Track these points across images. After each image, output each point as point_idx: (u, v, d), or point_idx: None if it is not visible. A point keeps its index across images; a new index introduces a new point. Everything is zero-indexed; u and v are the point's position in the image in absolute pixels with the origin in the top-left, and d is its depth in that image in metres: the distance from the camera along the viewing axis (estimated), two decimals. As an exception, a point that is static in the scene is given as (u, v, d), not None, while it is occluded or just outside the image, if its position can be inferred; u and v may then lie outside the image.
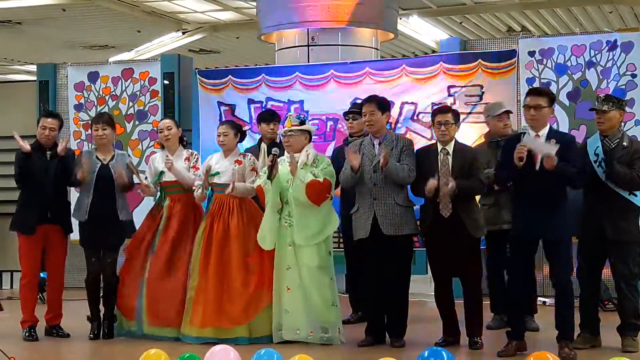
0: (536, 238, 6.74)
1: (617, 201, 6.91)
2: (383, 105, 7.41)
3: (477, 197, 7.48)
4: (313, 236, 7.36)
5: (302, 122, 7.54)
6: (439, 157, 7.14)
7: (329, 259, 7.44)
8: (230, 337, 7.32)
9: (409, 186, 7.31)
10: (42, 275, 8.24)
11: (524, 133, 6.71)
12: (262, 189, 7.48)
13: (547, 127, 6.77)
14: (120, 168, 7.81)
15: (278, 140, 8.56)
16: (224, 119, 10.41)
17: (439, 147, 7.19)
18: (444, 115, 7.17)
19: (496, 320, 8.06)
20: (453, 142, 7.18)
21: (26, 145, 7.73)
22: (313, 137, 7.77)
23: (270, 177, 7.39)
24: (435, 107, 7.79)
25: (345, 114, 8.59)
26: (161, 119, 10.19)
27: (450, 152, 7.13)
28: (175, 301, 7.65)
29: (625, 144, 6.98)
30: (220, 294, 7.49)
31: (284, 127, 7.58)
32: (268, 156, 7.82)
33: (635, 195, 6.98)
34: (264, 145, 8.19)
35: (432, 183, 6.95)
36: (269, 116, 8.69)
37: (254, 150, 8.32)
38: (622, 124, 7.16)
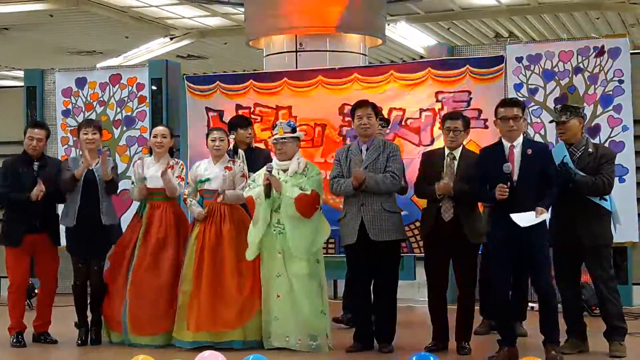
0: (514, 245, 6.72)
1: (589, 207, 6.94)
2: (376, 110, 7.46)
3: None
4: (308, 247, 7.34)
5: (294, 130, 7.53)
6: (445, 160, 7.17)
7: (317, 267, 7.42)
8: (226, 340, 7.33)
9: (412, 190, 7.32)
10: (29, 281, 8.20)
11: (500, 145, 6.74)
12: (253, 200, 7.46)
13: (521, 137, 6.83)
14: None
15: (253, 146, 8.57)
16: (212, 125, 10.39)
17: (446, 151, 7.23)
18: (454, 122, 7.22)
19: (484, 326, 8.07)
20: (461, 147, 7.22)
21: (37, 193, 7.63)
22: (301, 142, 7.80)
23: (267, 195, 7.35)
24: (447, 112, 7.79)
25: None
26: (152, 125, 10.22)
27: (457, 157, 7.17)
28: (157, 309, 7.64)
29: (590, 150, 7.02)
30: (214, 298, 7.47)
31: (274, 135, 7.55)
32: (244, 161, 7.89)
33: (606, 200, 7.02)
34: (241, 152, 8.18)
35: (441, 185, 7.01)
36: (244, 121, 8.69)
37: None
38: (584, 130, 7.20)
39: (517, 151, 6.73)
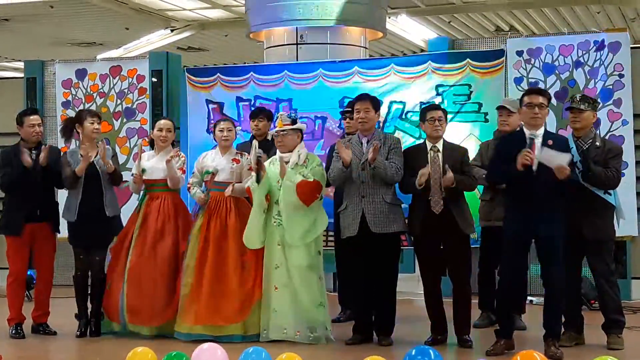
0: (531, 237, 6.74)
1: (594, 201, 6.95)
2: (376, 104, 7.44)
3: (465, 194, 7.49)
4: (303, 236, 7.34)
5: (294, 121, 7.53)
6: (429, 154, 7.16)
7: (318, 259, 7.43)
8: (224, 334, 7.32)
9: (397, 184, 7.33)
10: (29, 272, 8.21)
11: (531, 138, 6.66)
12: (251, 190, 7.47)
13: (543, 128, 6.79)
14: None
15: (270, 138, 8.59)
16: (212, 117, 10.40)
17: (429, 145, 7.21)
18: (437, 112, 7.23)
19: (483, 319, 8.07)
20: (442, 140, 7.22)
21: (29, 160, 7.68)
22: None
23: (258, 180, 7.38)
24: (425, 105, 7.79)
25: (343, 112, 8.57)
26: (152, 117, 10.20)
27: (440, 150, 7.16)
28: (155, 299, 7.64)
29: (598, 144, 7.02)
30: (215, 291, 7.47)
31: (274, 127, 7.55)
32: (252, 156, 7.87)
33: (610, 194, 7.04)
34: (255, 142, 8.20)
35: (423, 171, 6.97)
36: (268, 113, 8.69)
37: (247, 147, 8.31)
38: (594, 125, 7.20)
39: (538, 141, 6.68)
